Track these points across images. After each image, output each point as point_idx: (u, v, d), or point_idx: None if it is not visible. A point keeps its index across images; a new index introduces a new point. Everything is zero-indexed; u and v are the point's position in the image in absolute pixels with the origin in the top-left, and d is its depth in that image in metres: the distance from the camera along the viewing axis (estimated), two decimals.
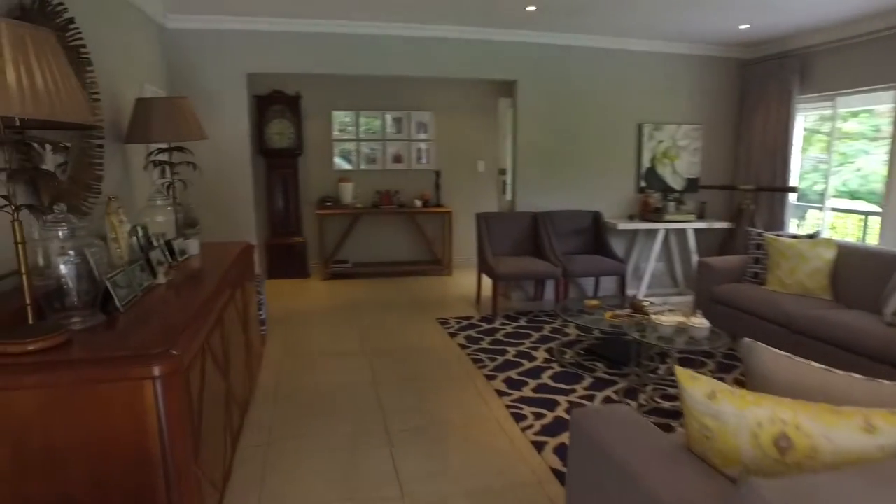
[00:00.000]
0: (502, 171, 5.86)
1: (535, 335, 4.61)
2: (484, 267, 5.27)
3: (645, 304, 3.96)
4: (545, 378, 3.75)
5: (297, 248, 6.64)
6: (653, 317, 3.45)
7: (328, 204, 6.61)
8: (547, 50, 5.41)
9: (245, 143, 5.01)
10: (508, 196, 6.07)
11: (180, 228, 3.52)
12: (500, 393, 3.52)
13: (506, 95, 6.76)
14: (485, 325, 4.86)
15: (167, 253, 3.06)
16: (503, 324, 4.91)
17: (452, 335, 4.62)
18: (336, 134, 6.78)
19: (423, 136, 6.97)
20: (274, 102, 6.40)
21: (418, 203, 6.81)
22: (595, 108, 5.63)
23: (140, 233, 3.00)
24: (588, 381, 3.70)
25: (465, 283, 6.55)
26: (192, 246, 3.40)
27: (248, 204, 5.09)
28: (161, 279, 2.67)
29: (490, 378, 3.74)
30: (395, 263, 6.98)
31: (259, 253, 6.58)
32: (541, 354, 4.19)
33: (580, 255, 5.41)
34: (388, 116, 6.86)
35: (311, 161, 6.79)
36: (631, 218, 5.75)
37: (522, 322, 4.96)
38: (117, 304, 2.19)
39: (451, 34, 5.17)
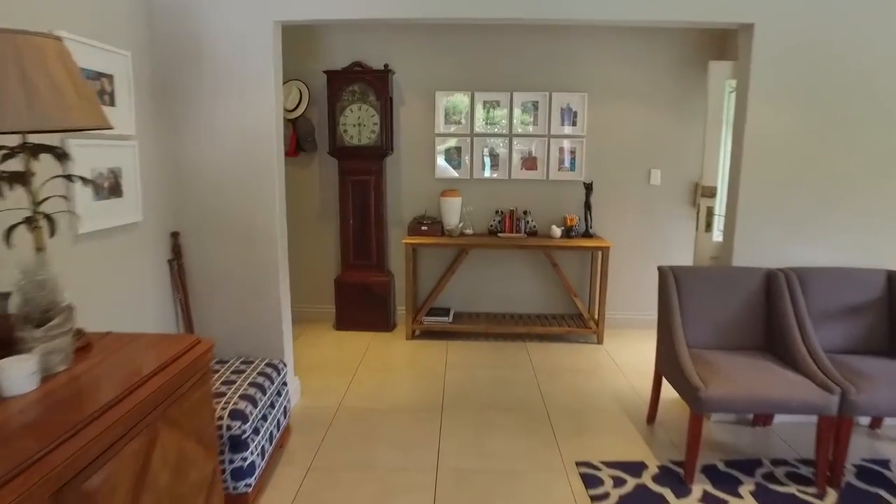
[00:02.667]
0: (709, 192, 3.40)
1: None
2: (670, 369, 2.86)
3: None
4: None
5: (377, 288, 4.67)
6: None
7: (424, 227, 4.55)
8: None
9: (270, 134, 3.07)
10: (716, 234, 3.56)
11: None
12: None
13: (721, 56, 4.22)
14: (670, 497, 2.48)
15: None
16: (707, 496, 2.49)
17: None
18: (441, 126, 4.69)
19: (568, 129, 4.65)
20: (351, 80, 4.45)
21: (557, 231, 4.51)
22: None
23: None
24: None
25: (625, 358, 4.15)
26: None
27: (273, 231, 3.15)
28: None
29: None
30: (518, 318, 4.75)
31: (315, 294, 4.77)
32: None
33: (867, 356, 2.79)
34: (518, 99, 4.63)
35: (403, 165, 4.77)
36: None
37: (744, 492, 2.50)
38: None
39: None
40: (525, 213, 4.66)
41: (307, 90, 4.60)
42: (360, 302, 4.69)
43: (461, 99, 4.64)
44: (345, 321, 4.74)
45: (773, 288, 2.92)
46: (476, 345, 4.46)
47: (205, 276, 3.20)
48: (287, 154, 4.64)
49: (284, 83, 4.59)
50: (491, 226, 4.69)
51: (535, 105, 4.63)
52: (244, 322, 3.25)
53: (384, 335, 4.66)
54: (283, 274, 3.26)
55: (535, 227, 4.65)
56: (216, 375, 2.65)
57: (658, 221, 4.73)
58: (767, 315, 2.94)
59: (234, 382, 2.56)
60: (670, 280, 2.94)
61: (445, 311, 4.69)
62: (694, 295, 2.95)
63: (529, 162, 4.70)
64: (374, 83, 4.42)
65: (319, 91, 4.59)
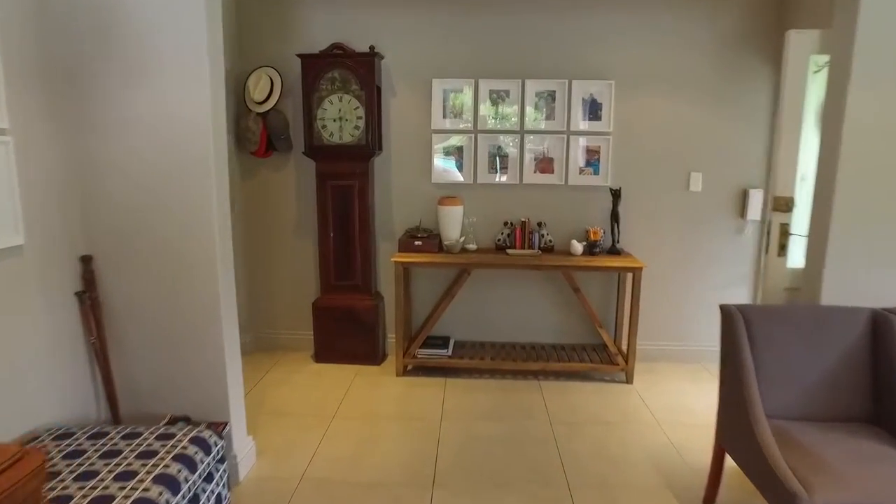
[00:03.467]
0: (783, 204, 2.62)
1: None
2: (744, 451, 2.09)
3: None
4: None
5: (363, 313, 3.92)
6: None
7: (418, 243, 3.79)
8: None
9: (205, 129, 2.33)
10: (792, 260, 2.77)
11: None
12: None
13: (801, 24, 3.42)
14: None
15: None
16: None
17: None
18: (439, 121, 3.93)
19: (591, 124, 3.88)
20: (330, 65, 3.71)
21: (578, 247, 3.75)
22: None
23: None
24: None
25: (662, 402, 3.38)
26: None
27: (210, 254, 2.42)
28: None
29: None
30: (531, 350, 3.98)
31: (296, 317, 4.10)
32: None
33: None
34: (531, 89, 3.87)
35: (394, 167, 4.02)
36: None
37: None
38: None
39: None
40: (539, 224, 3.90)
41: (280, 78, 3.86)
42: (343, 330, 3.95)
43: (463, 88, 3.88)
44: (325, 352, 4.00)
45: (881, 335, 2.15)
46: (480, 384, 3.71)
47: (127, 312, 2.47)
48: (256, 154, 3.92)
49: (254, 70, 3.87)
50: (498, 240, 3.93)
51: (552, 95, 3.86)
52: (178, 371, 2.51)
53: (371, 370, 3.92)
54: (227, 310, 2.51)
55: (551, 241, 3.88)
56: (115, 460, 1.91)
57: (699, 235, 3.95)
58: (874, 373, 2.16)
59: (134, 475, 1.82)
60: (738, 324, 2.17)
61: (444, 341, 3.93)
62: (772, 344, 2.18)
63: (544, 163, 3.93)
64: (358, 69, 3.67)
65: (295, 80, 3.85)
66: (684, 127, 3.84)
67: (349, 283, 3.94)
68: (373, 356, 3.97)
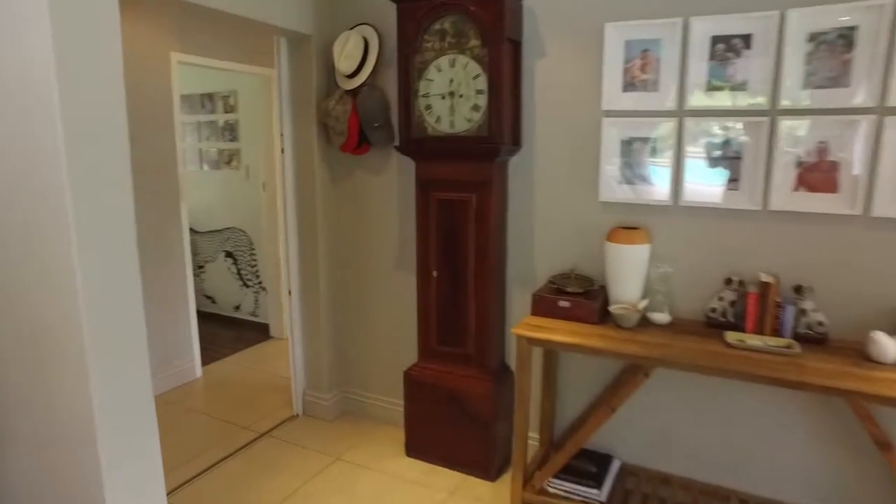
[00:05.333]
0: None
1: None
2: None
3: None
4: None
5: (474, 400, 2.52)
6: None
7: (565, 304, 2.25)
8: None
9: (50, 119, 1.16)
10: None
11: None
12: None
13: None
14: None
15: None
16: None
17: None
18: (615, 96, 2.30)
19: None
20: (437, 11, 2.34)
21: (889, 346, 1.84)
22: None
23: None
24: None
25: None
26: None
27: (72, 331, 1.25)
28: None
29: None
30: None
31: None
32: None
33: None
34: (799, 26, 2.03)
35: (537, 173, 2.49)
36: None
37: None
38: None
39: None
40: (798, 290, 2.06)
41: (377, 40, 2.64)
42: (445, 417, 2.60)
43: (661, 37, 2.21)
44: (419, 444, 2.70)
45: None
46: None
47: None
48: (345, 149, 2.76)
49: (343, 32, 2.71)
50: (712, 311, 2.19)
51: (845, 37, 1.98)
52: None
53: (478, 487, 2.51)
54: (117, 435, 1.34)
55: (822, 326, 2.02)
56: None
57: None
58: None
59: None
60: None
61: (601, 465, 2.34)
62: None
63: (817, 172, 2.07)
64: (479, 14, 2.25)
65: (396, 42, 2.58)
66: None
67: (457, 350, 2.57)
68: (484, 465, 2.55)
